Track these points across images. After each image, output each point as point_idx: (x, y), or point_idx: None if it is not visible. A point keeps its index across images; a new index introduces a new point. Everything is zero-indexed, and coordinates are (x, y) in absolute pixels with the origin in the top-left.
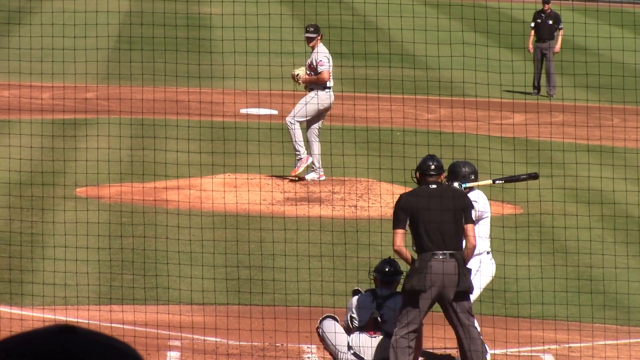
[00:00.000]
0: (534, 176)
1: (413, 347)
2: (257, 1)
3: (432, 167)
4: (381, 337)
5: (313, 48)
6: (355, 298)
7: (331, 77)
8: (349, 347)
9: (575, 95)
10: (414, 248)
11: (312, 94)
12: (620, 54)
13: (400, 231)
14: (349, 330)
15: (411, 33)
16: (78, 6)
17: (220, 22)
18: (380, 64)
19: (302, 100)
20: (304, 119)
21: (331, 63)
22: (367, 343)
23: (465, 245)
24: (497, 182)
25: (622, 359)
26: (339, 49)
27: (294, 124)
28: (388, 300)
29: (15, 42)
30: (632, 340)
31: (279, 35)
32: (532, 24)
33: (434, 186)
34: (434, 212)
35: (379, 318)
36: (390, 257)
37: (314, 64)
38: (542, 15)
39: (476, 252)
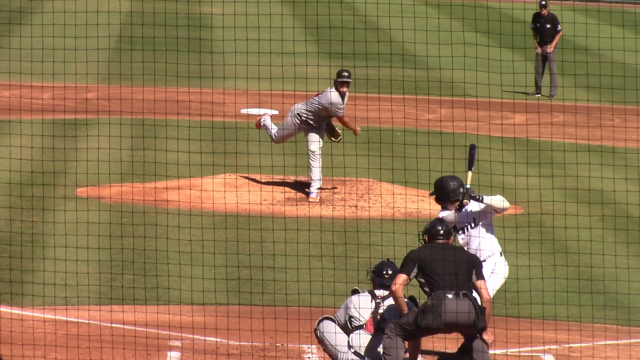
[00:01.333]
0: (472, 147)
1: (403, 345)
2: (258, 1)
3: (442, 231)
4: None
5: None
6: (355, 297)
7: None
8: (350, 347)
9: (576, 96)
10: (426, 289)
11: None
12: (621, 54)
13: (403, 276)
14: (346, 330)
15: (412, 33)
16: (79, 6)
17: (221, 22)
18: (381, 64)
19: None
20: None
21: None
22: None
23: (482, 301)
24: (472, 169)
25: (623, 359)
26: (340, 49)
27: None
28: (387, 300)
29: (16, 42)
30: (632, 341)
31: (279, 36)
32: (532, 26)
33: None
34: (444, 257)
35: (378, 317)
36: (388, 259)
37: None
38: (541, 19)
39: (490, 252)
